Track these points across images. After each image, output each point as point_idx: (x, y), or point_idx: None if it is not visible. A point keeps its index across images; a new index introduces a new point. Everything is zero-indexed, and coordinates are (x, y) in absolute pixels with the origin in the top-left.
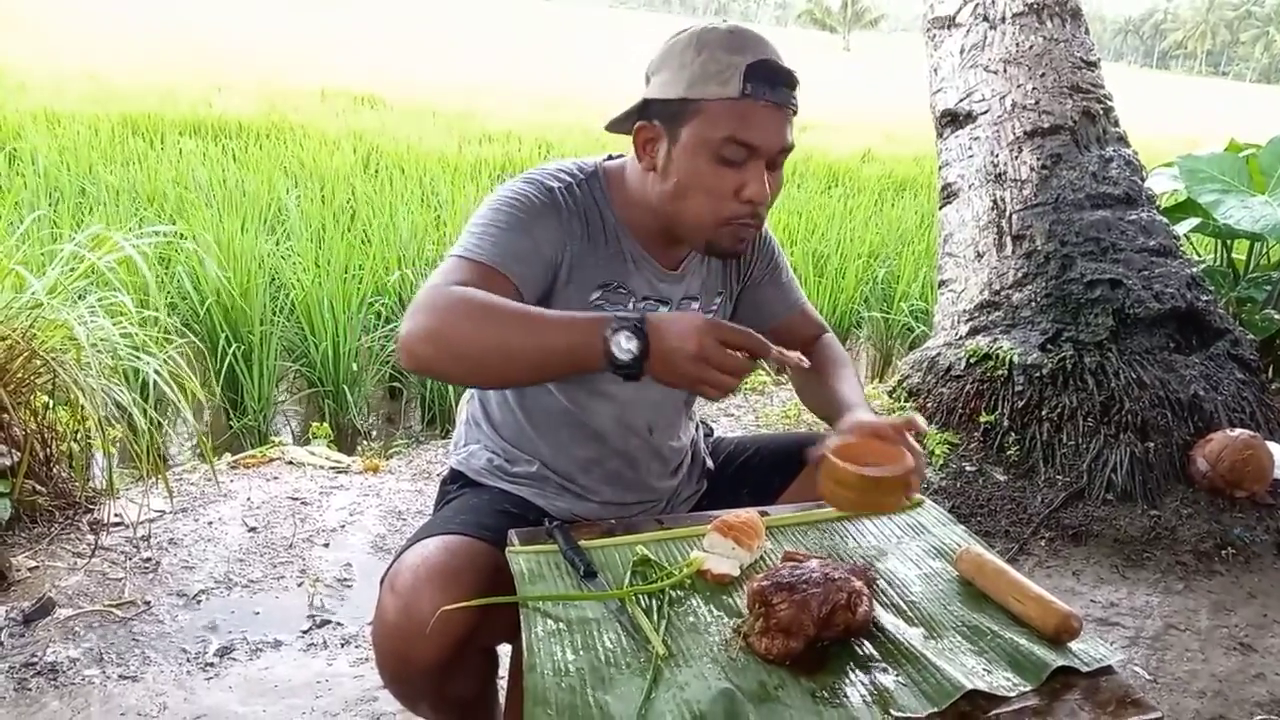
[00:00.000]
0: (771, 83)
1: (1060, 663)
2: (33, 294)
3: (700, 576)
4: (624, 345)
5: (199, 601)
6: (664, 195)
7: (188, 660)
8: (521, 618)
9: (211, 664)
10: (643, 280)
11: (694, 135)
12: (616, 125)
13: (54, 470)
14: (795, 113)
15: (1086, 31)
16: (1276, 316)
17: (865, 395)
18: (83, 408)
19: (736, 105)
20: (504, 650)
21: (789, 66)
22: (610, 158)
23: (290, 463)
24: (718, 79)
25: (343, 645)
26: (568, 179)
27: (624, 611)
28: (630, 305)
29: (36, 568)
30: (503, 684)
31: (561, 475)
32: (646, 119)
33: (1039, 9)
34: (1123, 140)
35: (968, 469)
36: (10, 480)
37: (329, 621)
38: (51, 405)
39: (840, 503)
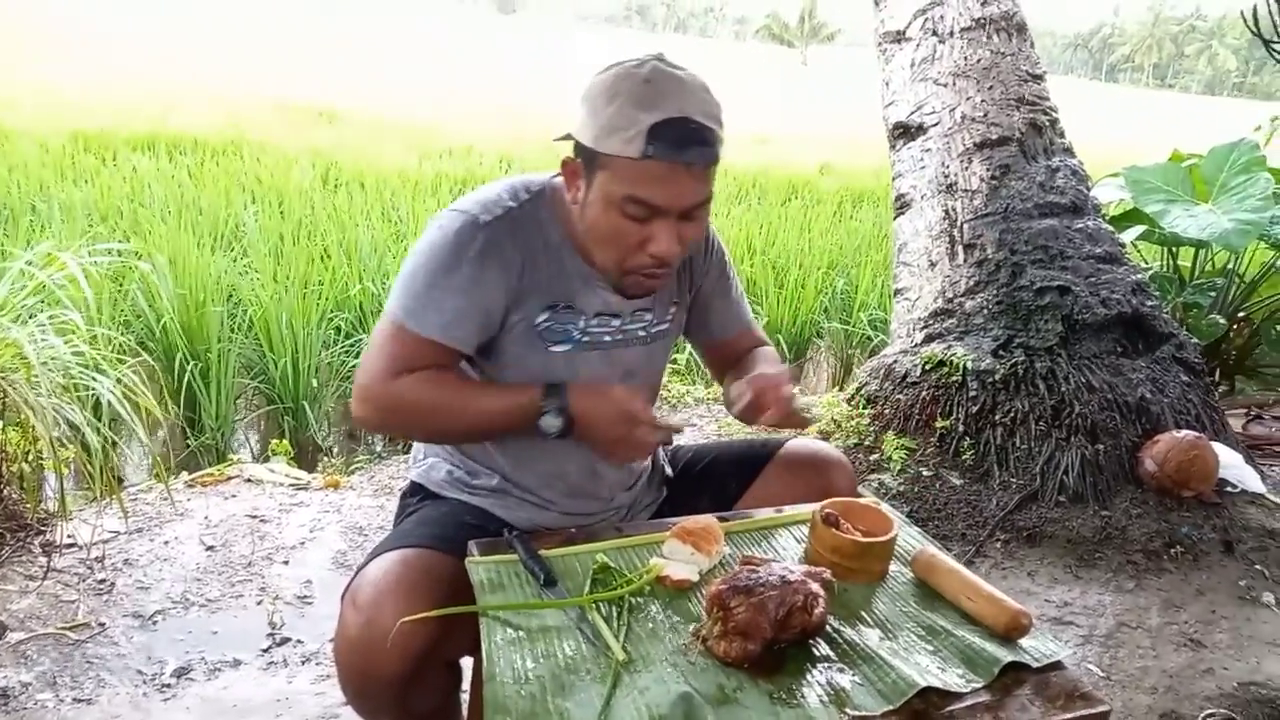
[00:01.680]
0: (679, 144)
1: (1011, 659)
2: None
3: (660, 582)
4: (552, 424)
5: (155, 622)
6: (583, 231)
7: (144, 682)
8: (481, 627)
9: (168, 685)
10: (593, 296)
11: (601, 187)
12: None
13: (4, 492)
14: (714, 163)
15: (1032, 45)
16: (1220, 321)
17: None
18: (34, 428)
19: (638, 165)
20: (466, 664)
21: (703, 121)
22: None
23: (249, 480)
24: (621, 136)
25: (303, 663)
26: (505, 206)
27: (584, 619)
28: (580, 323)
29: None
30: (465, 698)
31: (522, 488)
32: (572, 152)
33: (986, 24)
34: (1069, 151)
35: (924, 474)
36: None
37: (289, 639)
38: (1, 426)
39: (829, 567)
